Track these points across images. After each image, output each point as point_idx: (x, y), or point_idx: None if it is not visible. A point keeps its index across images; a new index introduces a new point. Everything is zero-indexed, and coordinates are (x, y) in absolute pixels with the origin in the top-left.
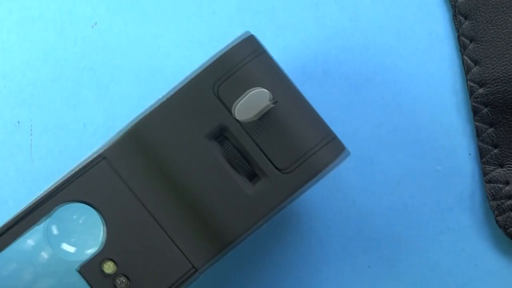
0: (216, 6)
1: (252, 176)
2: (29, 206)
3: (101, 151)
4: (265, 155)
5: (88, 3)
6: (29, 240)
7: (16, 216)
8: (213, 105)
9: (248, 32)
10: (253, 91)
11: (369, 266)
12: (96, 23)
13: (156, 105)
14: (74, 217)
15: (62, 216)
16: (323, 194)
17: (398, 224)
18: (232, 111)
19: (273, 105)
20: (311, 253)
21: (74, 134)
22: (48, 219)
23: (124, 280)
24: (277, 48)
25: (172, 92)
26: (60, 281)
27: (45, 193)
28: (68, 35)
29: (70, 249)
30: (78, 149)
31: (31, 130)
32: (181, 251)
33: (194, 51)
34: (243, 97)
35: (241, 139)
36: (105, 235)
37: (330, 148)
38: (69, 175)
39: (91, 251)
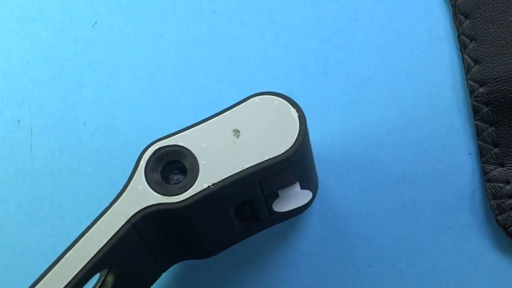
0: (216, 5)
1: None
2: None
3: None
4: (268, 208)
5: (88, 2)
6: None
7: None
8: (255, 191)
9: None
10: (298, 191)
11: (369, 266)
12: (96, 22)
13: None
14: None
15: None
16: (323, 194)
17: (398, 224)
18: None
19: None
20: (311, 252)
21: (74, 133)
22: None
23: None
24: (277, 48)
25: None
26: None
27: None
28: (68, 34)
29: None
30: (78, 148)
31: (31, 129)
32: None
33: (194, 51)
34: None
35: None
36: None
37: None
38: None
39: None
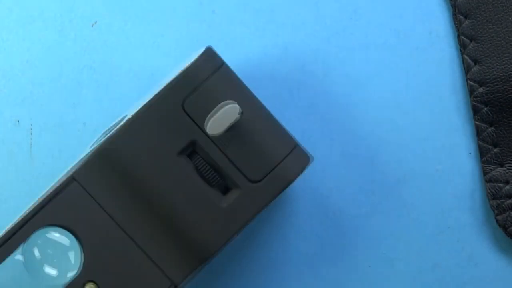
0: (216, 5)
1: (224, 188)
2: (6, 233)
3: (71, 172)
4: (236, 166)
5: (88, 2)
6: (8, 268)
7: None
8: (182, 121)
9: (209, 47)
10: (225, 107)
11: (369, 266)
12: (96, 22)
13: (124, 123)
14: (51, 240)
15: (38, 241)
16: (323, 193)
17: (398, 224)
18: (205, 126)
19: (239, 116)
20: (311, 252)
21: (74, 133)
22: (25, 245)
23: None
24: (277, 47)
25: (138, 109)
26: None
27: (21, 218)
28: (68, 34)
29: (51, 272)
30: (78, 148)
31: (31, 129)
32: (160, 269)
33: (194, 50)
34: (216, 113)
35: (211, 153)
36: (83, 257)
37: (296, 157)
38: (42, 198)
39: (71, 274)
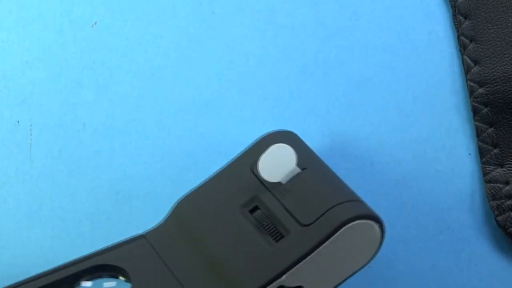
0: (216, 5)
1: (278, 236)
2: (62, 265)
3: (142, 232)
4: (289, 213)
5: (87, 2)
6: None
7: (46, 271)
8: (249, 181)
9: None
10: (277, 145)
11: (369, 266)
12: (95, 23)
13: (196, 187)
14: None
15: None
16: None
17: (397, 224)
18: (257, 168)
19: (300, 170)
20: None
21: (73, 133)
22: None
23: None
24: (277, 48)
25: (211, 175)
26: None
27: (80, 257)
28: (68, 35)
29: None
30: (77, 149)
31: (31, 129)
32: None
33: (194, 51)
34: (267, 151)
35: (267, 202)
36: None
37: (357, 206)
38: (106, 247)
39: None
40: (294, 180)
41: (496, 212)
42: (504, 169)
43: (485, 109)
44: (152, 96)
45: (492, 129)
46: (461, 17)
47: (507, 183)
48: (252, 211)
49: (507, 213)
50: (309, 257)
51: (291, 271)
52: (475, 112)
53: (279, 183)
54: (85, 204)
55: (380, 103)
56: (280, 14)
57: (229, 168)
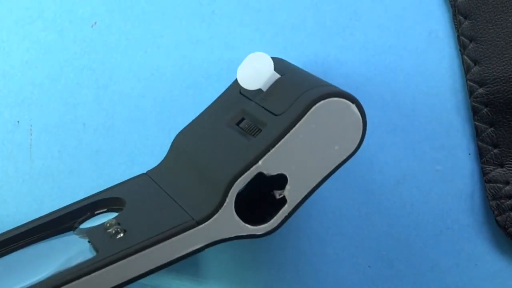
0: (216, 5)
1: (256, 132)
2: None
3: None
4: (268, 111)
5: (87, 2)
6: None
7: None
8: (237, 100)
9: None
10: (252, 53)
11: (369, 266)
12: (95, 23)
13: (192, 121)
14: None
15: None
16: (323, 194)
17: (397, 224)
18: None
19: (279, 76)
20: (310, 252)
21: (73, 133)
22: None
23: (121, 231)
24: (277, 48)
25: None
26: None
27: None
28: (68, 35)
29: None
30: (77, 149)
31: (31, 129)
32: (182, 208)
33: (194, 51)
34: (244, 60)
35: (251, 109)
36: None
37: (327, 88)
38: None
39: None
40: (273, 85)
41: (496, 212)
42: (504, 169)
43: (485, 109)
44: (152, 96)
45: (492, 129)
46: (461, 17)
47: (507, 183)
48: (238, 123)
49: (507, 213)
50: (283, 139)
51: (266, 155)
52: (475, 112)
53: (260, 91)
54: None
55: (380, 103)
56: (280, 14)
57: (220, 98)
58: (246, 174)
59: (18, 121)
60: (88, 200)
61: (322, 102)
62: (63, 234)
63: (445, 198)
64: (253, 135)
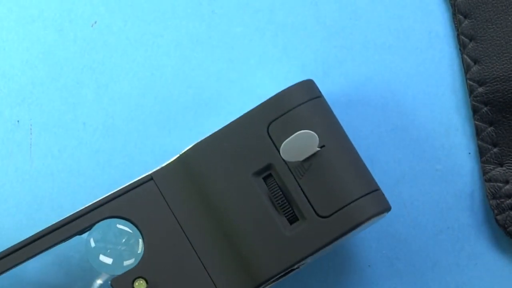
0: (216, 5)
1: (292, 218)
2: (73, 215)
3: (151, 171)
4: (307, 198)
5: (87, 2)
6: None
7: (57, 223)
8: (263, 143)
9: (310, 79)
10: (301, 132)
11: (369, 265)
12: (95, 22)
13: (209, 135)
14: (116, 230)
15: (103, 230)
16: None
17: (397, 223)
18: (280, 150)
19: (319, 148)
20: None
21: (73, 133)
22: (91, 232)
23: None
24: (276, 48)
25: (226, 124)
26: None
27: (90, 204)
28: (68, 34)
29: (107, 260)
30: (77, 148)
31: (31, 129)
32: (214, 283)
33: (194, 50)
34: (291, 137)
35: (285, 179)
36: (142, 251)
37: (373, 200)
38: (116, 190)
39: (127, 263)
40: (312, 159)
41: (495, 211)
42: (504, 168)
43: (485, 108)
44: (152, 96)
45: (491, 128)
46: (460, 16)
47: (506, 182)
48: (265, 178)
49: (507, 212)
50: (323, 248)
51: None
52: (474, 111)
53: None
54: (85, 204)
55: (380, 103)
56: (280, 14)
57: (245, 121)
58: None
59: (18, 121)
60: (99, 214)
61: (368, 221)
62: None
63: (445, 198)
64: (288, 219)
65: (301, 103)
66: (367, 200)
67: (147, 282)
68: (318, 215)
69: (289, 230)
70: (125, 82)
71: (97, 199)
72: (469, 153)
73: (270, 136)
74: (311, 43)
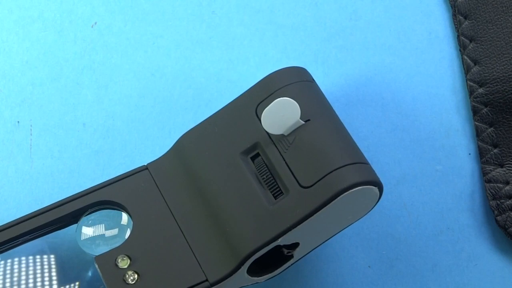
0: (216, 6)
1: (277, 192)
2: (65, 199)
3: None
4: (290, 171)
5: (87, 2)
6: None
7: (50, 205)
8: (251, 123)
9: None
10: (280, 99)
11: (369, 266)
12: (95, 23)
13: (201, 122)
14: (106, 214)
15: (93, 218)
16: None
17: (398, 224)
18: (261, 121)
19: (304, 122)
20: (310, 252)
21: (73, 133)
22: (83, 218)
23: (134, 276)
24: (276, 48)
25: (218, 111)
26: (77, 271)
27: (82, 191)
28: (68, 35)
29: (97, 241)
30: (77, 149)
31: (31, 129)
32: (198, 262)
33: (194, 51)
34: (270, 104)
35: (270, 155)
36: (129, 234)
37: (358, 170)
38: (110, 179)
39: (113, 242)
40: (296, 132)
41: (496, 212)
42: (504, 169)
43: (485, 109)
44: (152, 96)
45: (492, 129)
46: (461, 17)
47: (507, 183)
48: (253, 157)
49: (507, 213)
50: (306, 221)
51: (287, 234)
52: (475, 112)
53: (281, 135)
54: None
55: (379, 103)
56: (280, 14)
57: (234, 105)
58: (264, 248)
59: (18, 121)
60: (91, 198)
61: (351, 190)
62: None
63: (445, 198)
64: (273, 194)
65: (289, 84)
66: (351, 169)
67: (130, 259)
68: (301, 186)
69: (273, 204)
70: (125, 82)
71: (90, 187)
72: (469, 154)
73: (258, 117)
74: (311, 43)
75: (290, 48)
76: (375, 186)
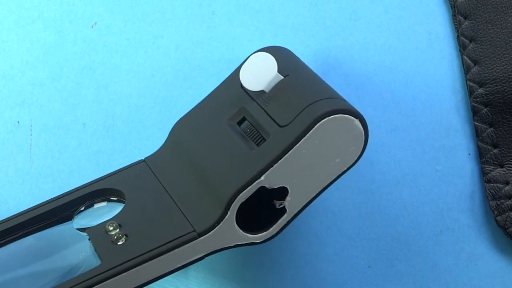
0: (216, 6)
1: (260, 140)
2: (60, 195)
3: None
4: (270, 117)
5: (87, 2)
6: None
7: (44, 202)
8: (237, 95)
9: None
10: (256, 54)
11: (369, 266)
12: (95, 23)
13: (191, 109)
14: (103, 211)
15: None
16: (323, 194)
17: (397, 224)
18: (240, 79)
19: (283, 77)
20: (310, 253)
21: (73, 134)
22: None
23: (123, 238)
24: None
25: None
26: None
27: (81, 185)
28: (68, 35)
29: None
30: (77, 149)
31: (31, 130)
32: (184, 215)
33: (194, 51)
34: (247, 61)
35: (252, 110)
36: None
37: (335, 102)
38: (107, 173)
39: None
40: (276, 87)
41: (495, 212)
42: (504, 169)
43: (485, 109)
44: (152, 96)
45: (491, 129)
46: (460, 17)
47: (506, 183)
48: (239, 122)
49: (507, 213)
50: (286, 155)
51: (269, 171)
52: (474, 112)
53: (262, 92)
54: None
55: (379, 104)
56: (280, 14)
57: (221, 87)
58: (248, 188)
59: (18, 121)
60: (88, 189)
61: (327, 119)
62: (62, 224)
63: (445, 198)
64: (256, 143)
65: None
66: (327, 101)
67: (120, 226)
68: (279, 126)
69: (255, 150)
70: (125, 82)
71: (87, 182)
72: (469, 154)
73: (243, 89)
74: (311, 43)
75: (290, 48)
76: (353, 116)
